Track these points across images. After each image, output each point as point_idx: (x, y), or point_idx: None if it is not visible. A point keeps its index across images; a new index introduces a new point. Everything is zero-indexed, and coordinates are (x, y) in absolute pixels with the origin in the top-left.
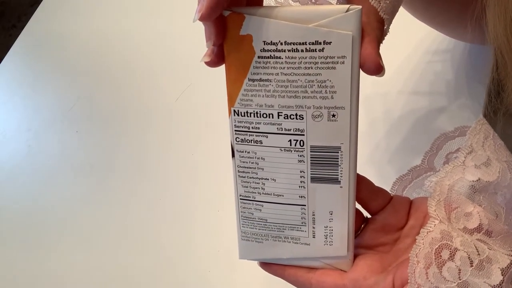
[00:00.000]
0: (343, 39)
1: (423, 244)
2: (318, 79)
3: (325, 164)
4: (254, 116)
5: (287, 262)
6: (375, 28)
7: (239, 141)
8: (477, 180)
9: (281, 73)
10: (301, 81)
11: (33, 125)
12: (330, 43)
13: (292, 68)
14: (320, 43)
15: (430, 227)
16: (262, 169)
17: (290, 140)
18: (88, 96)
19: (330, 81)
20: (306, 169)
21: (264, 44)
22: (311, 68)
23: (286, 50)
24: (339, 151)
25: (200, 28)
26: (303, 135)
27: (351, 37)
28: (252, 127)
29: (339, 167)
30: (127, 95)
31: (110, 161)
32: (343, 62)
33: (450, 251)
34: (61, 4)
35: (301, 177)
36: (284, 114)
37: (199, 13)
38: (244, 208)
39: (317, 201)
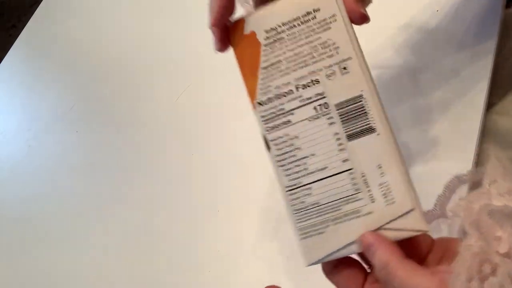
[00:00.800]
0: (328, 1)
1: (465, 257)
2: (319, 42)
3: (354, 117)
4: (276, 99)
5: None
6: None
7: (269, 130)
8: (504, 205)
9: (287, 50)
10: (306, 50)
11: (33, 125)
12: (318, 9)
13: (295, 42)
14: (310, 13)
15: (470, 242)
16: (299, 148)
17: (314, 107)
18: (88, 96)
19: (330, 39)
20: (339, 129)
21: (266, 33)
22: (311, 35)
23: (286, 30)
24: (362, 98)
25: (200, 28)
26: (325, 97)
27: None
28: (278, 110)
29: (368, 114)
30: (127, 95)
31: (110, 161)
32: (335, 20)
33: (492, 266)
34: (61, 4)
35: (337, 139)
36: (301, 85)
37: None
38: (293, 199)
39: (362, 160)
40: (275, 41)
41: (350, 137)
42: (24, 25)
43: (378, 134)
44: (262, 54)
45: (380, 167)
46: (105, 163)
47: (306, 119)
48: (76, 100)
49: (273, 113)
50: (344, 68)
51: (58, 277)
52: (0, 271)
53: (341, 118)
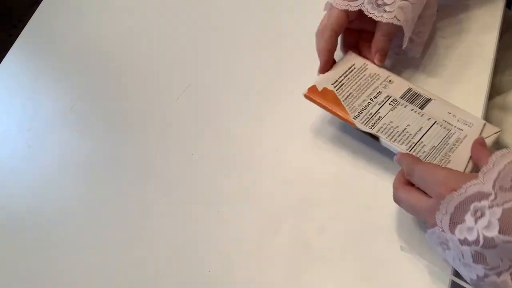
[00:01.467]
0: (358, 60)
1: (430, 236)
2: (367, 75)
3: (415, 98)
4: (363, 111)
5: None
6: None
7: (371, 127)
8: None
9: (351, 86)
10: (362, 82)
11: (33, 125)
12: (354, 64)
13: (353, 81)
14: (351, 67)
15: (435, 230)
16: (397, 126)
17: (389, 103)
18: (88, 96)
19: (371, 73)
20: (412, 107)
21: (332, 85)
22: (359, 75)
23: (343, 79)
24: (410, 90)
25: (200, 29)
26: (391, 97)
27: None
28: (368, 115)
29: (420, 94)
30: (127, 95)
31: (110, 161)
32: (367, 65)
33: (446, 246)
34: (61, 4)
35: (415, 112)
36: (373, 97)
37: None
38: (417, 154)
39: (437, 114)
40: (340, 86)
41: (421, 107)
42: (24, 25)
43: (434, 100)
44: (337, 94)
45: (450, 113)
46: (105, 163)
47: (389, 111)
48: (76, 100)
49: (367, 118)
50: (390, 81)
51: (58, 277)
52: (0, 271)
53: (408, 101)
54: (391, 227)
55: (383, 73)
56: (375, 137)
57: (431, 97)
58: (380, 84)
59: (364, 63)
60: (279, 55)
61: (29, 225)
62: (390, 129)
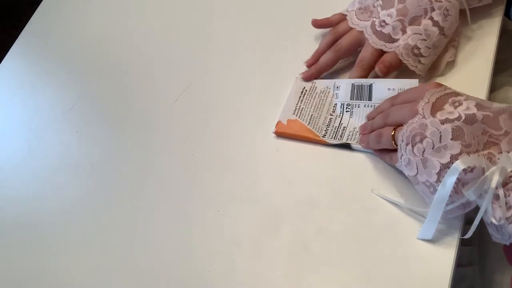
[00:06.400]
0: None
1: (406, 129)
2: (321, 98)
3: (360, 92)
4: (328, 127)
5: None
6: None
7: (340, 138)
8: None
9: (309, 109)
10: (317, 102)
11: (33, 125)
12: (304, 87)
13: (310, 103)
14: (302, 91)
15: (414, 120)
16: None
17: (347, 110)
18: (88, 96)
19: (328, 97)
20: (363, 101)
21: (293, 113)
22: (314, 97)
23: (301, 105)
24: (353, 84)
25: (200, 29)
26: (344, 103)
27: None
28: (334, 128)
29: (362, 85)
30: (127, 95)
31: (110, 161)
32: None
33: (421, 137)
34: (61, 4)
35: (367, 106)
36: (332, 111)
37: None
38: None
39: (380, 97)
40: (300, 112)
41: (369, 98)
42: (24, 25)
43: (374, 83)
44: (301, 120)
45: (389, 89)
46: (105, 163)
47: (349, 118)
48: (76, 100)
49: (333, 132)
50: (337, 87)
51: (58, 277)
52: (0, 271)
53: (358, 98)
54: (390, 228)
55: (330, 83)
56: (346, 145)
57: (370, 82)
58: (332, 96)
59: (313, 83)
60: (280, 55)
61: (29, 225)
62: (355, 133)
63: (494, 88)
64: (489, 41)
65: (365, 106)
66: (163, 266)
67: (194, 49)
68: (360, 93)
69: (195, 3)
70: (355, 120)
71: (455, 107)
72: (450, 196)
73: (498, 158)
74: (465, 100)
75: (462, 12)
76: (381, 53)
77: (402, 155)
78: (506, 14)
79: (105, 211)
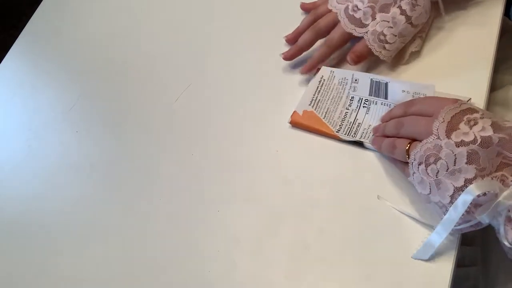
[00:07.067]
0: (324, 70)
1: (420, 148)
2: (339, 90)
3: (377, 90)
4: (342, 122)
5: None
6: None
7: (354, 135)
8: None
9: (324, 102)
10: (333, 95)
11: (33, 125)
12: (322, 76)
13: (327, 95)
14: (320, 80)
15: (428, 140)
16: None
17: (364, 105)
18: (88, 96)
19: (347, 85)
20: (380, 99)
21: (309, 105)
22: (329, 89)
23: (317, 96)
24: (372, 80)
25: (200, 29)
26: (362, 98)
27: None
28: (349, 123)
29: (379, 82)
30: (127, 95)
31: (110, 161)
32: (335, 73)
33: (435, 158)
34: (61, 4)
35: (384, 104)
36: (348, 105)
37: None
38: None
39: (396, 98)
40: (317, 104)
41: (385, 96)
42: (24, 25)
43: (389, 82)
44: (316, 112)
45: (403, 91)
46: (105, 163)
47: (365, 114)
48: (76, 100)
49: (348, 128)
50: (356, 80)
51: (58, 277)
52: (0, 271)
53: (375, 95)
54: (390, 228)
55: (349, 74)
56: (359, 143)
57: (386, 80)
58: (350, 88)
59: (331, 71)
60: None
61: (29, 225)
62: (369, 131)
63: (494, 86)
64: (489, 41)
65: (382, 104)
66: (163, 266)
67: (194, 49)
68: (378, 90)
69: (195, 3)
70: (371, 118)
71: (471, 127)
72: (462, 216)
73: (511, 181)
74: (480, 118)
75: (437, 3)
76: (350, 36)
77: (414, 172)
78: (506, 13)
79: (105, 211)
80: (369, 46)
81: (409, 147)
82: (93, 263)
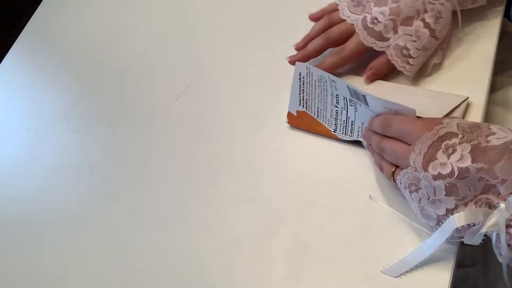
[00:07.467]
0: (300, 67)
1: (402, 175)
2: (325, 88)
3: (357, 96)
4: (336, 120)
5: None
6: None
7: (351, 134)
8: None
9: (311, 97)
10: (319, 92)
11: (33, 125)
12: (300, 73)
13: (312, 94)
14: (300, 78)
15: (407, 171)
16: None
17: (351, 104)
18: (88, 96)
19: (329, 85)
20: (363, 104)
21: (299, 104)
22: (313, 88)
23: (304, 95)
24: (348, 87)
25: (200, 29)
26: (346, 97)
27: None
28: (343, 122)
29: (356, 91)
30: (127, 95)
31: (110, 161)
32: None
33: (416, 188)
34: (61, 4)
35: (367, 109)
36: (336, 103)
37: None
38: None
39: (376, 109)
40: (306, 103)
41: (366, 103)
42: (24, 25)
43: (367, 95)
44: (309, 112)
45: (385, 107)
46: (105, 163)
47: (355, 112)
48: (76, 100)
49: (343, 127)
50: (333, 81)
51: (58, 277)
52: (0, 271)
53: (357, 99)
54: (390, 228)
55: (324, 74)
56: (358, 141)
57: (363, 93)
58: (330, 86)
59: (307, 67)
60: (280, 55)
61: (29, 225)
62: (363, 129)
63: (494, 88)
64: (489, 42)
65: (365, 108)
66: (163, 266)
67: (194, 49)
68: (357, 96)
69: (195, 3)
70: (362, 116)
71: (448, 156)
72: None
73: (497, 203)
74: (459, 144)
75: (456, 14)
76: (366, 49)
77: (403, 192)
78: (506, 15)
79: (105, 211)
80: (391, 61)
81: (394, 170)
82: (92, 263)
